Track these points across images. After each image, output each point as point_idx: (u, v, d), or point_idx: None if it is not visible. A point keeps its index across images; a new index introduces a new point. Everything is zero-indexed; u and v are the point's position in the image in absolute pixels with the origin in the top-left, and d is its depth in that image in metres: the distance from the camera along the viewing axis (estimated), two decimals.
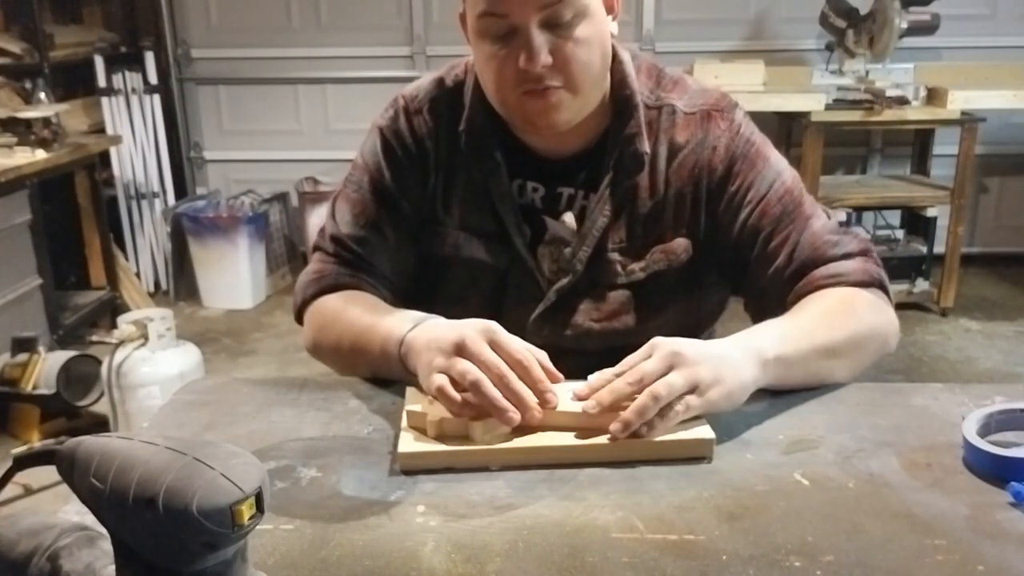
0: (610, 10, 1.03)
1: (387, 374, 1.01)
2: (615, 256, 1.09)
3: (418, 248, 1.14)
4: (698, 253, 1.10)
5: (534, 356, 0.87)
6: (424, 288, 1.16)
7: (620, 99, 1.07)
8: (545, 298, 1.10)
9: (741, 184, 1.07)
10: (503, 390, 0.83)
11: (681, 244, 1.09)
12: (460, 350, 0.85)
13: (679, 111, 1.09)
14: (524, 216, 1.10)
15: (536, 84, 0.98)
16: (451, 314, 1.16)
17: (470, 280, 1.13)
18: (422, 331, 0.93)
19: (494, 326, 0.87)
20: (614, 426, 0.82)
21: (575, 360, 0.94)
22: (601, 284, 1.10)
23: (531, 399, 0.84)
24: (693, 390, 0.83)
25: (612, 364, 0.97)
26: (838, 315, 0.99)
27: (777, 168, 1.09)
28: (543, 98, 0.99)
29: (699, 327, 1.17)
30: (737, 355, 0.88)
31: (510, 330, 1.13)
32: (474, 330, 0.86)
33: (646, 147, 1.06)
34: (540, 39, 0.96)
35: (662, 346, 0.85)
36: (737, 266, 1.10)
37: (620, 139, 1.07)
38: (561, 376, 0.88)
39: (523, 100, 1.00)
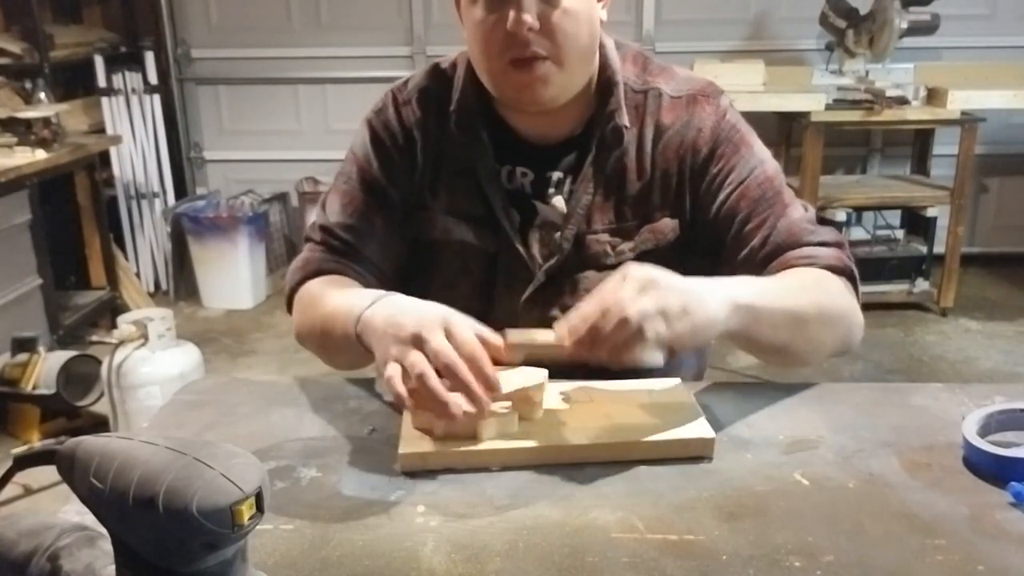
0: None
1: (353, 357, 0.99)
2: (604, 237, 1.10)
3: (408, 235, 1.15)
4: (684, 233, 1.11)
5: (485, 341, 0.85)
6: (416, 273, 1.16)
7: (602, 80, 1.10)
8: (535, 279, 1.11)
9: (723, 167, 1.08)
10: (451, 380, 0.82)
11: (668, 224, 1.11)
12: (417, 341, 0.84)
13: (665, 94, 1.10)
14: (515, 201, 1.11)
15: (523, 50, 0.99)
16: (443, 298, 1.16)
17: (460, 264, 1.14)
18: (379, 309, 0.92)
19: (452, 316, 0.86)
20: (574, 331, 0.83)
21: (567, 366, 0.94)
22: (591, 265, 1.11)
23: (478, 389, 0.82)
24: (662, 317, 0.82)
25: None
26: (809, 288, 0.99)
27: (760, 156, 1.10)
28: (529, 70, 1.00)
29: None
30: (708, 293, 0.88)
31: (502, 313, 1.13)
32: (432, 321, 0.85)
33: (625, 120, 1.08)
34: (530, 2, 0.98)
35: (635, 272, 0.84)
36: (716, 247, 1.10)
37: (602, 117, 1.08)
38: (511, 358, 0.88)
39: (509, 71, 1.01)
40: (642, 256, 1.11)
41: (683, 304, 0.83)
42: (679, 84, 1.11)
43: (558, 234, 1.11)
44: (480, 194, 1.11)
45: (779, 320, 0.94)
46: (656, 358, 0.83)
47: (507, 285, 1.13)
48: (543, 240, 1.12)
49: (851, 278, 1.04)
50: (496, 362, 0.85)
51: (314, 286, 1.09)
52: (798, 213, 1.08)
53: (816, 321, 0.98)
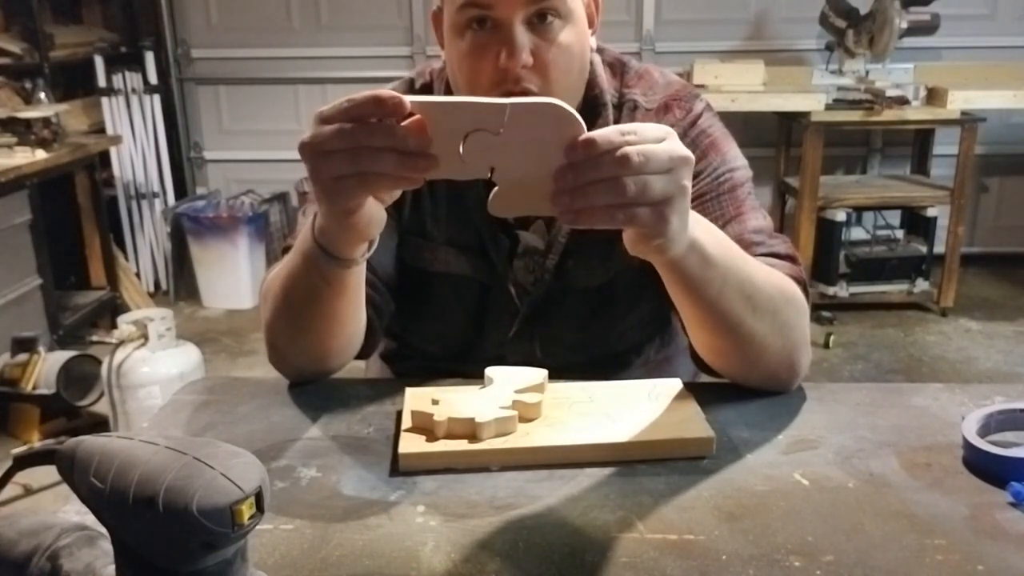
0: (591, 23, 1.01)
1: (319, 287, 0.90)
2: (581, 260, 1.08)
3: (402, 260, 1.10)
4: None
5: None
6: (405, 300, 1.12)
7: (590, 99, 1.05)
8: (521, 311, 1.10)
9: None
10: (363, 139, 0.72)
11: None
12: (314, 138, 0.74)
13: (640, 107, 1.06)
14: (500, 230, 1.08)
15: (514, 86, 0.93)
16: (434, 328, 1.14)
17: (454, 296, 1.11)
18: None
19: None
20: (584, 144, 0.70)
21: (562, 378, 0.92)
22: (573, 289, 1.09)
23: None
24: (664, 200, 0.73)
25: (595, 379, 0.96)
26: (762, 269, 0.92)
27: (731, 164, 1.04)
28: None
29: (670, 322, 1.17)
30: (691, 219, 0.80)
31: (490, 346, 1.11)
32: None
33: None
34: (523, 37, 0.92)
35: (679, 148, 0.73)
36: None
37: None
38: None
39: None
40: (619, 275, 1.09)
41: (684, 215, 0.75)
42: (655, 92, 1.08)
43: (541, 261, 1.08)
44: (471, 223, 1.07)
45: (730, 278, 0.85)
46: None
47: (495, 316, 1.11)
48: (528, 267, 1.09)
49: (804, 290, 0.97)
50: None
51: (269, 277, 1.02)
52: (753, 223, 1.01)
53: (766, 304, 0.89)
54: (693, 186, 0.96)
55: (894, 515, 0.74)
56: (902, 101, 3.51)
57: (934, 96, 3.56)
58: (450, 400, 0.88)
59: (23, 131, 3.21)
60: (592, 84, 1.05)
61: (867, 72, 3.68)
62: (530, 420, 0.88)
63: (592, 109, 1.05)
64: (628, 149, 0.70)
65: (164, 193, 4.19)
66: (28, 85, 3.53)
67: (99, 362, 2.70)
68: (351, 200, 0.77)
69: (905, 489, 0.78)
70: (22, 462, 0.58)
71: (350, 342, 1.00)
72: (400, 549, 0.70)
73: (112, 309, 3.66)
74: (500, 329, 1.11)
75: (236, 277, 3.96)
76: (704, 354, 0.97)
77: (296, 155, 0.76)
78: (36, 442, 2.73)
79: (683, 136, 1.02)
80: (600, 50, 1.09)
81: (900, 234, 3.89)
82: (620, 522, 0.74)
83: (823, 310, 3.67)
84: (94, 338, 3.33)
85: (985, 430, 0.84)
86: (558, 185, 0.71)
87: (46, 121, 3.27)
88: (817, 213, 3.62)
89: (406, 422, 0.88)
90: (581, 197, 0.71)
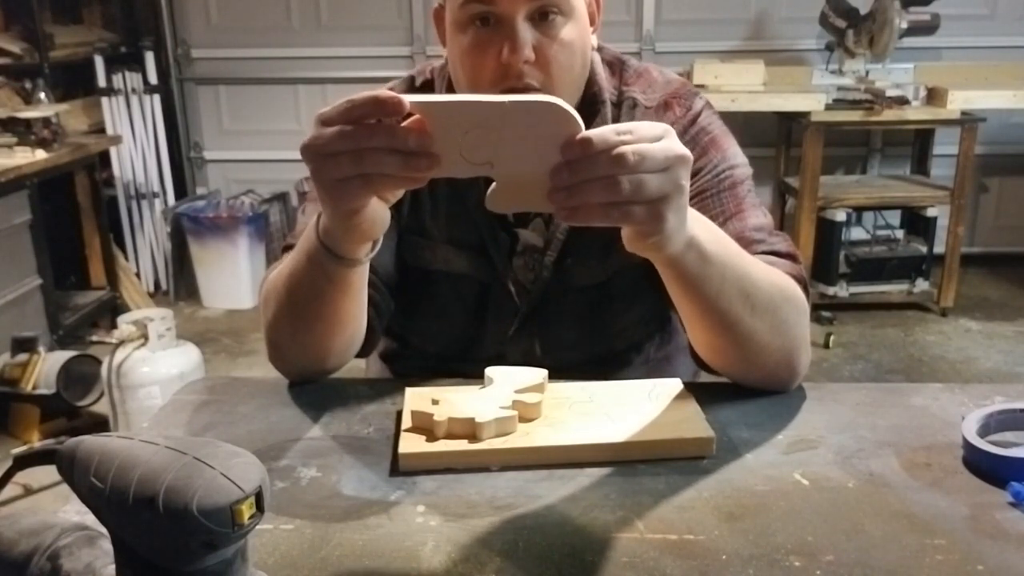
0: (592, 21, 1.01)
1: (323, 286, 0.90)
2: (580, 258, 1.08)
3: (396, 253, 1.10)
4: None
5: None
6: (405, 298, 1.12)
7: (588, 96, 1.06)
8: (520, 309, 1.10)
9: None
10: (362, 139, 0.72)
11: None
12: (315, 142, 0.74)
13: (640, 105, 1.07)
14: (501, 227, 1.08)
15: (516, 81, 0.94)
16: (434, 326, 1.14)
17: (454, 294, 1.11)
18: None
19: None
20: (581, 143, 0.71)
21: (562, 379, 0.92)
22: (572, 287, 1.09)
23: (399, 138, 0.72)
24: (660, 199, 0.73)
25: (595, 377, 0.97)
26: (761, 267, 0.91)
27: (731, 161, 1.04)
28: None
29: (670, 320, 1.17)
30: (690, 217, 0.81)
31: (491, 344, 1.11)
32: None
33: None
34: (526, 33, 0.93)
35: (676, 146, 0.73)
36: None
37: None
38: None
39: None
40: (619, 273, 1.09)
41: (681, 212, 0.76)
42: (654, 90, 1.08)
43: (540, 259, 1.08)
44: (471, 222, 1.08)
45: (728, 275, 0.85)
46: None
47: (496, 315, 1.11)
48: (527, 265, 1.09)
49: (804, 289, 0.97)
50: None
51: (271, 276, 1.02)
52: (754, 221, 1.01)
53: (765, 302, 0.89)
54: (693, 183, 0.97)
55: (894, 515, 0.74)
56: (902, 101, 3.51)
57: (934, 96, 3.56)
58: (450, 400, 0.88)
59: (23, 131, 3.22)
60: (591, 82, 1.06)
61: (867, 72, 3.68)
62: (530, 420, 0.88)
63: (590, 106, 1.05)
64: (624, 148, 0.70)
65: (164, 193, 4.19)
66: (28, 85, 3.53)
67: (99, 362, 2.70)
68: (355, 201, 0.77)
69: (905, 489, 0.78)
70: (22, 462, 0.58)
71: (351, 341, 1.00)
72: (400, 549, 0.70)
73: (112, 309, 3.66)
74: (500, 327, 1.11)
75: (236, 277, 3.96)
76: (703, 352, 0.97)
77: (296, 155, 0.76)
78: (36, 442, 2.73)
79: (683, 134, 1.02)
80: (599, 48, 1.09)
81: (900, 234, 3.89)
82: (620, 522, 0.74)
83: (823, 310, 3.67)
84: (94, 338, 3.33)
85: (985, 430, 0.84)
86: (554, 182, 0.72)
87: (46, 121, 3.27)
88: (817, 213, 3.62)
89: (406, 422, 0.88)
90: (577, 195, 0.71)
